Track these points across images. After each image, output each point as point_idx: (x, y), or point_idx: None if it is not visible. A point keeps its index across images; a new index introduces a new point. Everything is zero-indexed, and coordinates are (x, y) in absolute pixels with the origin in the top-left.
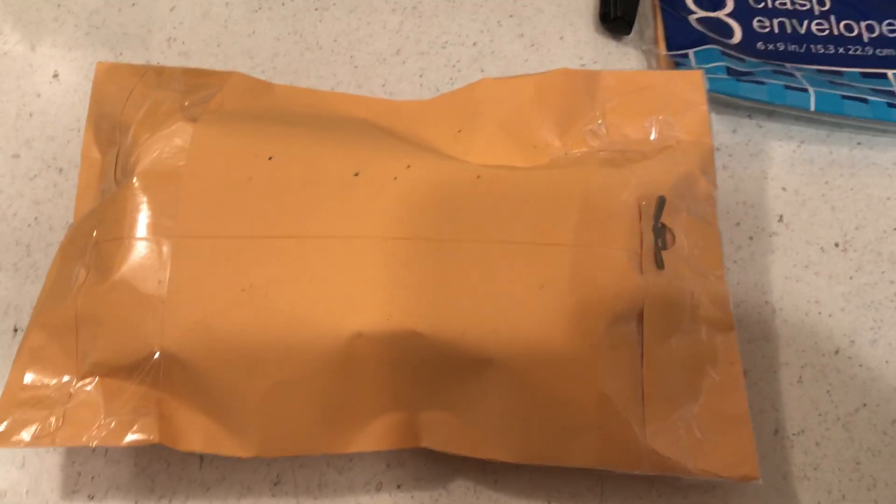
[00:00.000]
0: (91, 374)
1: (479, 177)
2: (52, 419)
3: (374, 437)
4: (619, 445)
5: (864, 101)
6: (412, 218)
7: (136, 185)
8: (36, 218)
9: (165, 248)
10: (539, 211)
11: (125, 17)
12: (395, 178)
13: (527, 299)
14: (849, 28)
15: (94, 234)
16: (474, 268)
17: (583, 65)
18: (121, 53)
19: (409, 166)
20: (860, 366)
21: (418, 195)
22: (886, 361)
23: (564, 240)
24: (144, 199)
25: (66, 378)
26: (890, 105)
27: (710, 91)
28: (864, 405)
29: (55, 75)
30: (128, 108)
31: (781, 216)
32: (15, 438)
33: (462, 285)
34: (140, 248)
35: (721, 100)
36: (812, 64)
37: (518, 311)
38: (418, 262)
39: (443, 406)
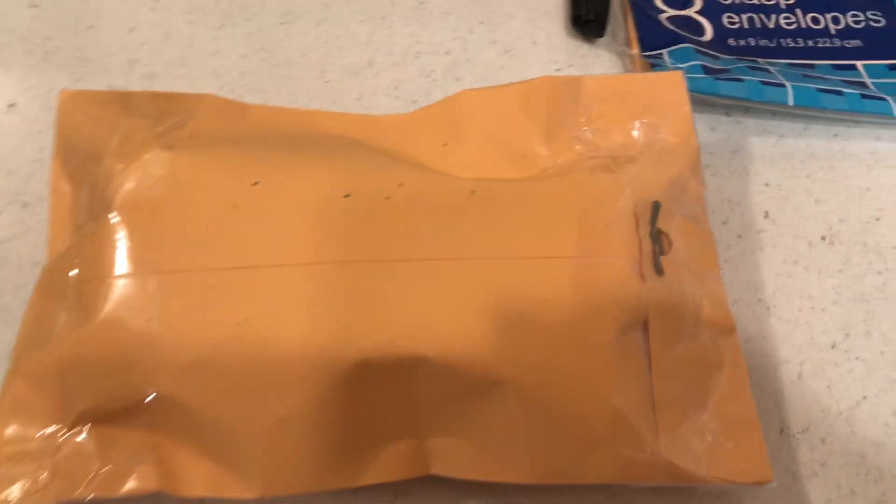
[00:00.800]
0: (81, 422)
1: (473, 192)
2: (43, 474)
3: (382, 468)
4: (634, 459)
5: (839, 93)
6: (408, 239)
7: (116, 219)
8: (3, 257)
9: (152, 284)
10: (537, 224)
11: (82, 40)
12: (388, 198)
13: (532, 315)
14: (815, 20)
15: (74, 273)
16: (476, 286)
17: (558, 69)
18: (79, 79)
19: (401, 184)
20: (857, 358)
21: (413, 215)
22: (881, 352)
23: (565, 252)
24: (125, 233)
25: (52, 428)
26: (863, 96)
27: (690, 91)
28: (864, 398)
29: (11, 105)
30: (98, 137)
31: (767, 212)
32: (3, 496)
33: (465, 305)
34: (125, 286)
35: (697, 98)
36: (784, 58)
37: (524, 328)
38: (418, 285)
39: (452, 431)
